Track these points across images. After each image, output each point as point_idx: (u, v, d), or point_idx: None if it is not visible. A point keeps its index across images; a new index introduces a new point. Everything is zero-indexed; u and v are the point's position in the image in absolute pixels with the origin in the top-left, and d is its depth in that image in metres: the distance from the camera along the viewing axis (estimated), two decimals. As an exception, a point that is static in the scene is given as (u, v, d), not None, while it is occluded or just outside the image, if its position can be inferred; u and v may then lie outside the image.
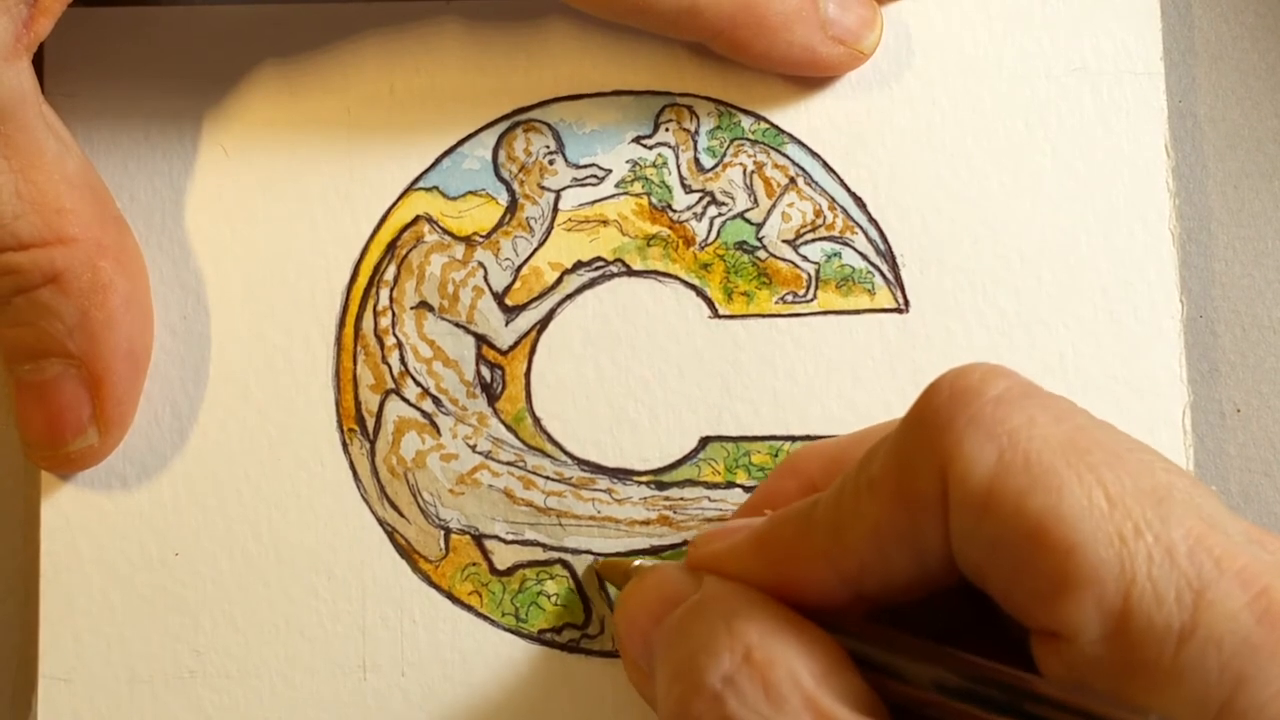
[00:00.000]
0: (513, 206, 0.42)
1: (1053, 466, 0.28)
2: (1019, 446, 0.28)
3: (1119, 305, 0.41)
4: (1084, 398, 0.40)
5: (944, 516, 0.29)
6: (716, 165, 0.42)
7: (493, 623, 0.40)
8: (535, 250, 0.42)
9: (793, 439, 0.41)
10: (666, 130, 0.42)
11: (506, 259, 0.42)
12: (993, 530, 0.28)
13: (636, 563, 0.38)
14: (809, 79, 0.42)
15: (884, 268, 0.41)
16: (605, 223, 0.42)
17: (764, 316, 0.41)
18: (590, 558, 0.40)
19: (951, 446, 0.29)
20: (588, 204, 0.42)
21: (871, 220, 0.42)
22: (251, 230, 0.41)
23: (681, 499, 0.41)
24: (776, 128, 0.42)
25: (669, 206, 0.42)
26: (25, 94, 0.36)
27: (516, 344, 0.41)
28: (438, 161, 0.42)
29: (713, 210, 0.42)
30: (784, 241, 0.42)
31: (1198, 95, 0.44)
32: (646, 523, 0.41)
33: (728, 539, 0.34)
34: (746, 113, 0.42)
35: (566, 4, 0.40)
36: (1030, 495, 0.28)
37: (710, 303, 0.41)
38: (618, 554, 0.40)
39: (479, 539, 0.40)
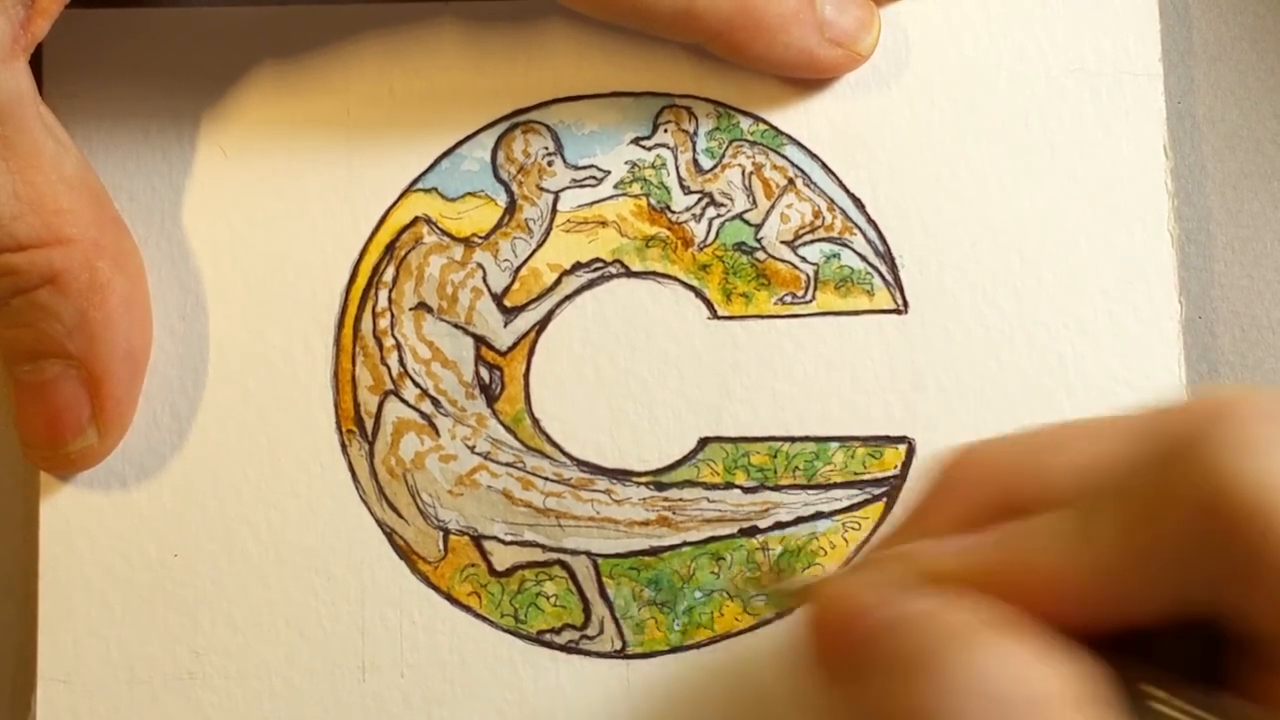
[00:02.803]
0: (511, 208, 0.42)
1: None
2: None
3: (1119, 305, 0.41)
4: (1084, 398, 0.40)
5: (1220, 539, 0.26)
6: (715, 166, 0.42)
7: (492, 624, 0.40)
8: (534, 251, 0.42)
9: (792, 440, 0.41)
10: (665, 131, 0.42)
11: (505, 260, 0.42)
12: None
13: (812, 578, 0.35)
14: (807, 80, 0.42)
15: (883, 269, 0.41)
16: (604, 224, 0.42)
17: (763, 317, 0.41)
18: (588, 558, 0.40)
19: (1227, 462, 0.26)
20: (586, 205, 0.42)
21: (870, 221, 0.42)
22: (250, 231, 0.41)
23: (680, 500, 0.41)
24: (775, 129, 0.42)
25: (668, 208, 0.42)
26: (23, 95, 0.36)
27: (515, 345, 0.41)
28: (436, 163, 0.42)
29: (711, 211, 0.42)
30: (783, 242, 0.42)
31: (1196, 96, 0.44)
32: (645, 524, 0.41)
33: (952, 556, 0.29)
34: (745, 114, 0.42)
35: (565, 6, 0.40)
36: None
37: (709, 304, 0.41)
38: (624, 553, 0.40)
39: (478, 540, 0.40)
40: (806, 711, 0.38)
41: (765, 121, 0.42)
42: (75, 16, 0.38)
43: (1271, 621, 0.26)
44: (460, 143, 0.42)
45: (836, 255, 0.42)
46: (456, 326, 0.41)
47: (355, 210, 0.42)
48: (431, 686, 0.40)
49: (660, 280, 0.41)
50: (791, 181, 0.42)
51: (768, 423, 0.41)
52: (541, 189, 0.42)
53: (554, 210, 0.42)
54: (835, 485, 0.41)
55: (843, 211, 0.42)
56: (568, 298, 0.41)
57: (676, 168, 0.42)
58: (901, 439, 0.41)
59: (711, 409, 0.41)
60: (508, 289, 0.41)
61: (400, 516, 0.40)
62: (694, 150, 0.42)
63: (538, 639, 0.40)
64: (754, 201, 0.42)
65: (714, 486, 0.41)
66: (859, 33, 0.41)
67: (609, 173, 0.42)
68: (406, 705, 0.40)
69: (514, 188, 0.42)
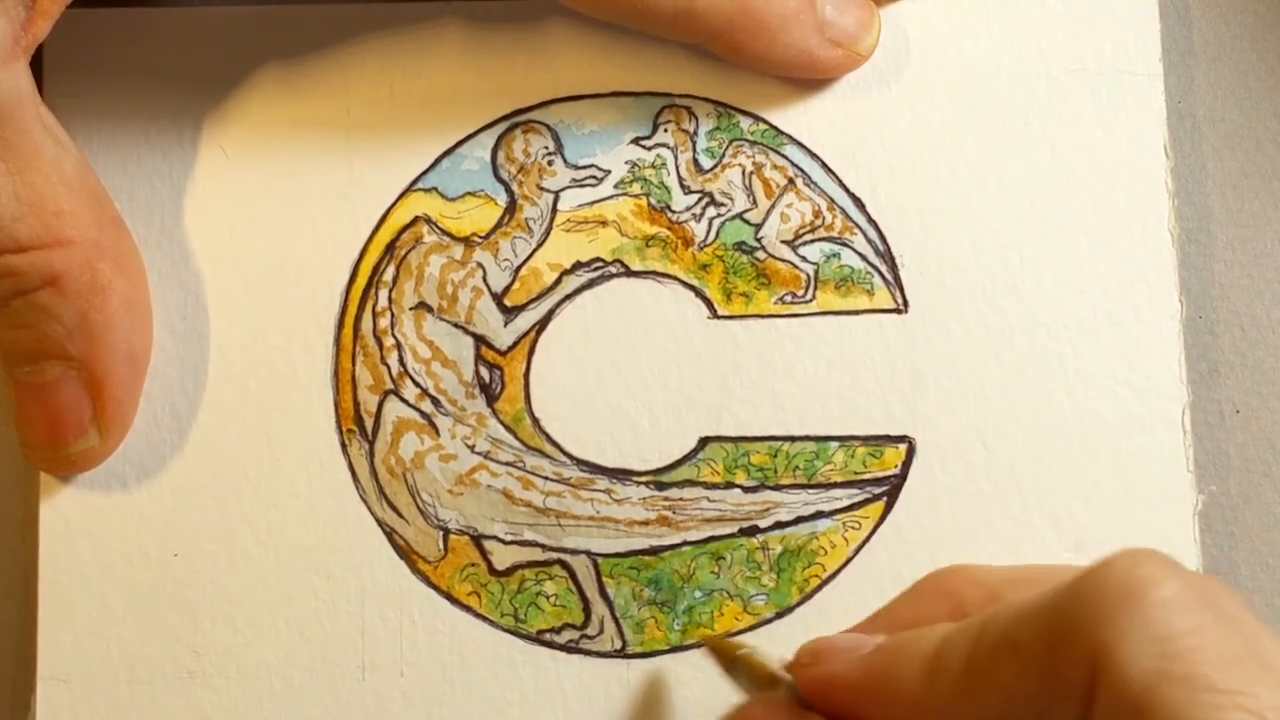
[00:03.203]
0: (511, 207, 0.42)
1: (1214, 684, 0.27)
2: (1183, 657, 0.27)
3: (1119, 305, 0.41)
4: (1084, 398, 0.40)
5: (1087, 705, 0.28)
6: (715, 166, 0.42)
7: (492, 623, 0.40)
8: (534, 251, 0.42)
9: (792, 439, 0.41)
10: (665, 131, 0.42)
11: (505, 260, 0.42)
12: None
13: (743, 650, 0.37)
14: (807, 80, 0.42)
15: (883, 268, 0.41)
16: (604, 223, 0.42)
17: (763, 317, 0.41)
18: (588, 558, 0.40)
19: (1112, 641, 0.28)
20: (586, 205, 0.42)
21: (870, 221, 0.42)
22: (251, 231, 0.41)
23: (681, 499, 0.41)
24: (775, 128, 0.42)
25: (668, 207, 0.42)
26: (23, 96, 0.36)
27: (515, 344, 0.41)
28: (437, 162, 0.42)
29: (711, 211, 0.42)
30: (783, 242, 0.42)
31: (1197, 96, 0.44)
32: (645, 523, 0.41)
33: (837, 660, 0.33)
34: (745, 114, 0.42)
35: (565, 5, 0.40)
36: (1187, 710, 0.27)
37: (709, 303, 0.41)
38: (624, 553, 0.40)
39: (478, 539, 0.40)
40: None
41: (765, 121, 0.42)
42: (75, 16, 0.38)
43: None
44: (460, 142, 0.42)
45: (837, 255, 0.42)
46: (456, 326, 0.41)
47: (355, 210, 0.42)
48: (431, 686, 0.40)
49: (660, 280, 0.41)
50: (792, 181, 0.42)
51: (768, 422, 0.41)
52: (542, 188, 0.42)
53: (554, 210, 0.42)
54: (835, 484, 0.41)
55: (843, 211, 0.42)
56: (568, 297, 0.41)
57: (677, 167, 0.42)
58: (901, 438, 0.41)
59: (712, 408, 0.41)
60: (508, 288, 0.41)
61: (400, 516, 0.40)
62: (694, 150, 0.42)
63: (538, 639, 0.40)
64: (754, 201, 0.42)
65: (714, 486, 0.41)
66: (859, 33, 0.41)
67: (609, 172, 0.42)
68: (406, 705, 0.40)
69: (514, 187, 0.42)
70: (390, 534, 0.40)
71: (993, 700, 0.29)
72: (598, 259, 0.42)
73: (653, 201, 0.42)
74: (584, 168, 0.42)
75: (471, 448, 0.41)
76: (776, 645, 0.38)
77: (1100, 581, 0.29)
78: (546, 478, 0.41)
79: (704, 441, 0.41)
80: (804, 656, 0.34)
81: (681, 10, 0.39)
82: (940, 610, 0.35)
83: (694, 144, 0.42)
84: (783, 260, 0.42)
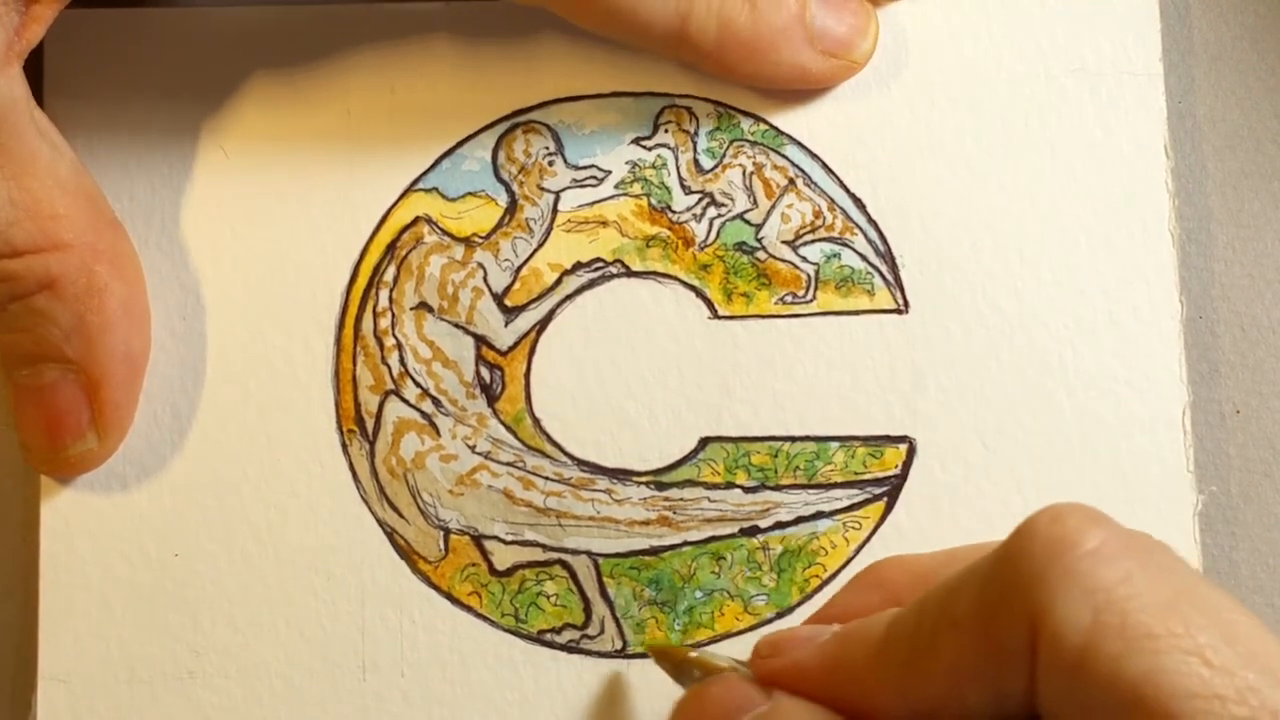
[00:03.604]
0: (512, 207, 0.42)
1: (1150, 629, 0.27)
2: (1115, 606, 0.27)
3: (1119, 305, 0.41)
4: (1084, 398, 0.40)
5: (1030, 667, 0.28)
6: (716, 166, 0.42)
7: (492, 623, 0.40)
8: (535, 251, 0.42)
9: (792, 439, 0.41)
10: (666, 131, 0.42)
11: (506, 260, 0.42)
12: (1085, 693, 0.27)
13: (694, 654, 0.37)
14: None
15: (883, 268, 0.41)
16: (605, 224, 0.42)
17: (763, 317, 0.41)
18: (589, 558, 0.40)
19: (1044, 601, 0.28)
20: (587, 205, 0.42)
21: (871, 221, 0.42)
22: (251, 231, 0.41)
23: (681, 499, 0.41)
24: (775, 129, 0.42)
25: (668, 207, 0.42)
26: (17, 101, 0.36)
27: (516, 345, 0.41)
28: (437, 162, 0.42)
29: (712, 211, 0.42)
30: (783, 242, 0.42)
31: (1197, 96, 0.44)
32: (646, 523, 0.41)
33: (795, 651, 0.33)
34: (745, 114, 0.42)
35: (563, 19, 0.40)
36: (1127, 659, 0.27)
37: (710, 303, 0.41)
38: (624, 553, 0.40)
39: (478, 539, 0.40)
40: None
41: (766, 121, 0.42)
42: (75, 17, 0.38)
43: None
44: (461, 142, 0.42)
45: (837, 255, 0.42)
46: (457, 326, 0.41)
47: (356, 210, 0.42)
48: (431, 686, 0.40)
49: (661, 280, 0.42)
50: (792, 181, 0.42)
51: (768, 422, 0.41)
52: (542, 189, 0.42)
53: (555, 210, 0.42)
54: (836, 485, 0.41)
55: (843, 211, 0.42)
56: (568, 297, 0.41)
57: (677, 168, 0.42)
58: (902, 438, 0.41)
59: (712, 409, 0.41)
60: (508, 289, 0.41)
61: (401, 516, 0.40)
62: (695, 150, 0.42)
63: (538, 638, 0.40)
64: (755, 201, 0.42)
65: (715, 486, 0.41)
66: (854, 40, 0.41)
67: (610, 172, 0.42)
68: (406, 705, 0.40)
69: (515, 187, 0.42)
70: (391, 534, 0.40)
71: (939, 676, 0.30)
72: (598, 259, 0.42)
73: (653, 202, 0.42)
74: (584, 168, 0.42)
75: (472, 448, 0.41)
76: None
77: (1026, 543, 0.29)
78: (547, 478, 0.41)
79: (704, 442, 0.41)
80: (762, 649, 0.34)
81: (673, 32, 0.39)
82: (874, 600, 0.35)
83: (694, 144, 0.42)
84: (783, 260, 0.42)
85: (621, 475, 0.41)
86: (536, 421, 0.41)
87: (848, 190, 0.42)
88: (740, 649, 0.40)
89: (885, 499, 0.41)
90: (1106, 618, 0.27)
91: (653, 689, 0.40)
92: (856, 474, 0.41)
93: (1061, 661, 0.27)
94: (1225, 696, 0.26)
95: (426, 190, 0.42)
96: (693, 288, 0.41)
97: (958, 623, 0.29)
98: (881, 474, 0.41)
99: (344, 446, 0.41)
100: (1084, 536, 0.28)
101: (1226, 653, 0.27)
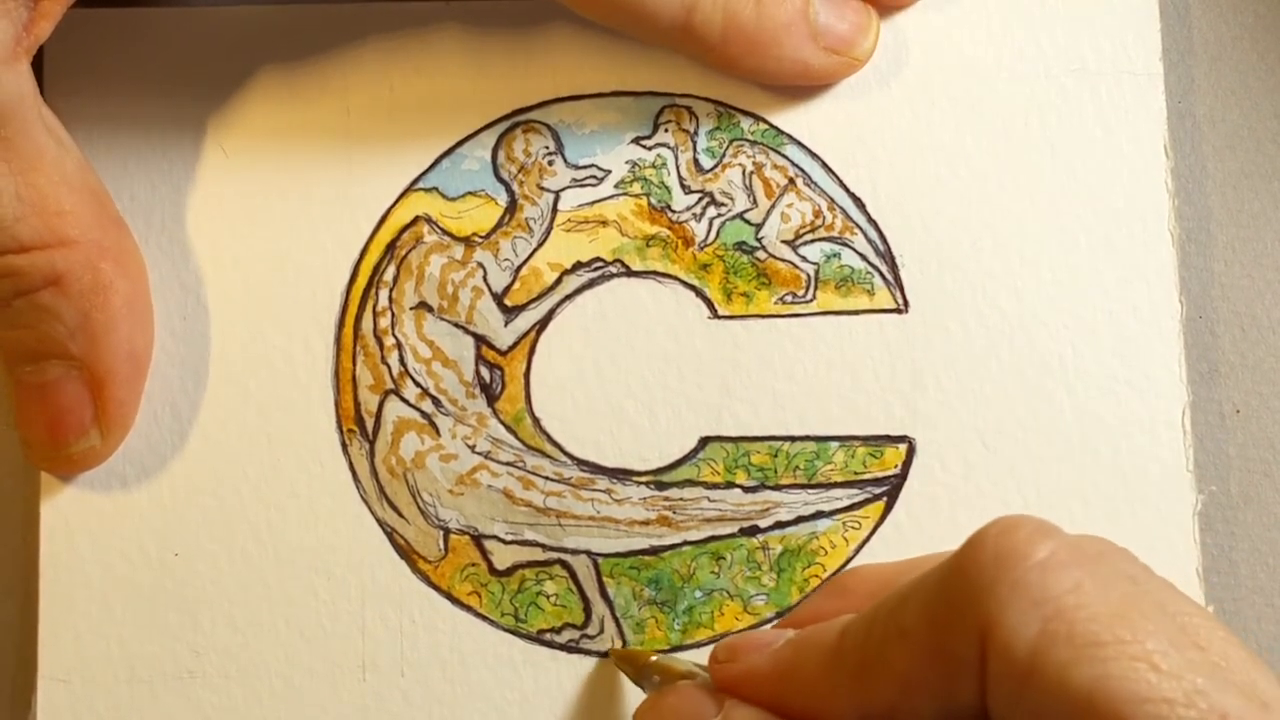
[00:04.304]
0: (512, 207, 0.42)
1: (1098, 638, 0.27)
2: (1064, 616, 0.28)
3: (1119, 305, 0.41)
4: (1084, 398, 0.40)
5: (980, 678, 0.28)
6: (716, 166, 0.42)
7: (492, 623, 0.40)
8: (534, 251, 0.42)
9: (792, 439, 0.41)
10: (666, 131, 0.42)
11: (506, 259, 0.42)
12: (1035, 702, 0.28)
13: (654, 658, 0.38)
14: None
15: (883, 268, 0.41)
16: (604, 223, 0.42)
17: (763, 317, 0.41)
18: (589, 557, 0.40)
19: (993, 612, 0.28)
20: (587, 204, 0.42)
21: (870, 221, 0.42)
22: (251, 230, 0.41)
23: (681, 499, 0.41)
24: (775, 128, 0.42)
25: (668, 207, 0.42)
26: (25, 97, 0.36)
27: (516, 344, 0.41)
28: (437, 162, 0.42)
29: (712, 211, 0.42)
30: (783, 242, 0.42)
31: (1197, 96, 0.44)
32: (646, 523, 0.41)
33: (751, 657, 0.33)
34: (745, 113, 0.42)
35: (567, 8, 0.40)
36: (1075, 668, 0.27)
37: (710, 303, 0.41)
38: (624, 553, 0.40)
39: (478, 539, 0.40)
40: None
41: (766, 121, 0.42)
42: (76, 17, 0.38)
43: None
44: (461, 142, 0.42)
45: (837, 255, 0.42)
46: (457, 326, 0.41)
47: (356, 210, 0.42)
48: (431, 686, 0.40)
49: (661, 280, 0.42)
50: (792, 181, 0.42)
51: (768, 422, 0.41)
52: (542, 188, 0.42)
53: (554, 209, 0.42)
54: (836, 484, 0.41)
55: (843, 211, 0.42)
56: (568, 297, 0.41)
57: (677, 167, 0.42)
58: (902, 438, 0.41)
59: (712, 408, 0.41)
60: (508, 288, 0.41)
61: (401, 516, 0.40)
62: (694, 150, 0.42)
63: (538, 638, 0.40)
64: (754, 201, 0.42)
65: (714, 486, 0.41)
66: (856, 38, 0.41)
67: (609, 172, 0.42)
68: (406, 705, 0.40)
69: (514, 187, 0.42)
70: (390, 534, 0.40)
71: (890, 686, 0.30)
72: (598, 259, 0.42)
73: (653, 201, 0.42)
74: (584, 167, 0.42)
75: (472, 447, 0.41)
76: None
77: (976, 555, 0.29)
78: (547, 477, 0.41)
79: (704, 441, 0.41)
80: (720, 654, 0.34)
81: (678, 25, 0.39)
82: (837, 607, 0.35)
83: (694, 144, 0.42)
84: (783, 260, 0.42)
85: (621, 475, 0.41)
86: (536, 421, 0.41)
87: (848, 190, 0.42)
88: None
89: (885, 499, 0.41)
90: (1054, 627, 0.27)
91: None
92: (856, 474, 0.41)
93: (1011, 671, 0.28)
94: (1174, 700, 0.26)
95: (426, 190, 0.42)
96: (692, 287, 0.41)
97: (907, 632, 0.29)
98: (881, 474, 0.41)
99: (344, 446, 0.41)
100: (1033, 548, 0.28)
101: (1175, 657, 0.27)
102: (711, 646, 0.40)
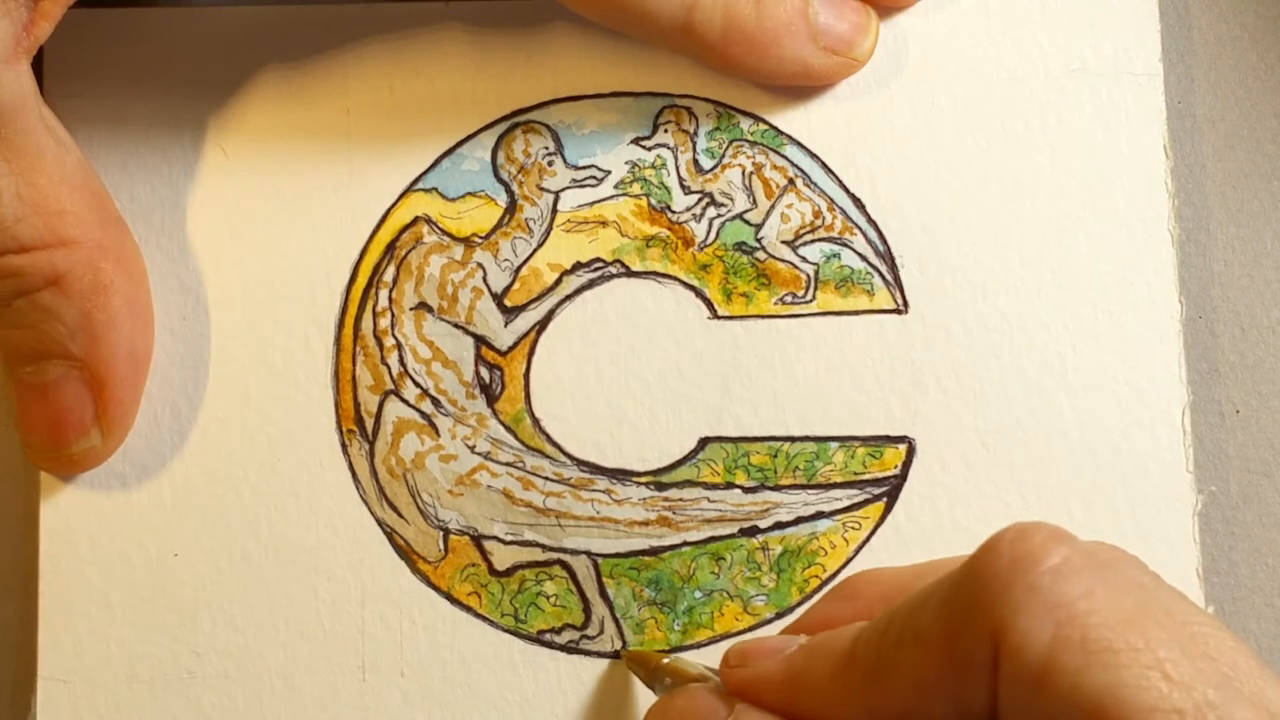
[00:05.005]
0: (512, 207, 0.42)
1: (1110, 644, 0.27)
2: (1076, 622, 0.28)
3: (1119, 305, 0.41)
4: (1084, 398, 0.40)
5: (993, 681, 0.29)
6: (715, 166, 0.42)
7: (492, 623, 0.40)
8: (534, 251, 0.42)
9: (792, 439, 0.41)
10: (665, 131, 0.42)
11: (505, 260, 0.42)
12: (1047, 707, 0.28)
13: (666, 660, 0.38)
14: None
15: (883, 268, 0.41)
16: (604, 224, 0.42)
17: (763, 317, 0.41)
18: (588, 558, 0.40)
19: (1007, 616, 0.28)
20: (587, 205, 0.42)
21: (870, 221, 0.42)
22: (251, 231, 0.41)
23: (681, 500, 0.41)
24: (775, 129, 0.42)
25: (668, 207, 0.42)
26: (25, 96, 0.36)
27: (515, 345, 0.41)
28: (437, 162, 0.42)
29: (712, 211, 0.42)
30: (783, 242, 0.42)
31: (1196, 96, 0.44)
32: (645, 523, 0.41)
33: (762, 662, 0.33)
34: (745, 114, 0.42)
35: (567, 8, 0.40)
36: (1087, 674, 0.27)
37: (709, 303, 0.41)
38: (624, 553, 0.40)
39: (478, 540, 0.40)
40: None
41: (765, 121, 0.42)
42: (76, 17, 0.38)
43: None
44: (461, 142, 0.42)
45: (837, 255, 0.42)
46: (457, 326, 0.41)
47: (355, 210, 0.42)
48: (431, 686, 0.40)
49: (660, 280, 0.42)
50: (792, 181, 0.42)
51: (768, 422, 0.41)
52: (542, 189, 0.42)
53: (554, 210, 0.42)
54: (835, 485, 0.41)
55: (843, 211, 0.42)
56: (568, 297, 0.41)
57: (677, 168, 0.42)
58: (901, 439, 0.41)
59: (711, 409, 0.41)
60: (508, 289, 0.41)
61: (400, 516, 0.40)
62: (694, 150, 0.42)
63: (538, 639, 0.40)
64: (754, 201, 0.42)
65: (714, 486, 0.41)
66: (855, 38, 0.41)
67: (609, 173, 0.42)
68: (406, 705, 0.40)
69: (514, 187, 0.42)
70: (390, 534, 0.40)
71: (904, 690, 0.30)
72: (598, 259, 0.42)
73: (653, 202, 0.42)
74: (584, 168, 0.42)
75: (472, 448, 0.41)
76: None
77: (990, 559, 0.29)
78: (547, 478, 0.41)
79: (704, 442, 0.41)
80: (731, 658, 0.34)
81: (678, 25, 0.39)
82: (847, 611, 0.35)
83: (694, 144, 0.42)
84: (783, 260, 0.42)
85: (621, 475, 0.41)
86: (536, 421, 0.41)
87: (847, 190, 0.42)
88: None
89: (885, 499, 0.41)
90: (1067, 632, 0.27)
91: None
92: (856, 474, 0.41)
93: (1023, 676, 0.28)
94: (1184, 711, 0.26)
95: (426, 190, 0.42)
96: (692, 288, 0.41)
97: (922, 636, 0.30)
98: (881, 474, 0.41)
99: (344, 446, 0.41)
100: (1047, 553, 0.29)
101: (1186, 667, 0.27)
102: (711, 647, 0.40)
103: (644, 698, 0.40)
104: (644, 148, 0.42)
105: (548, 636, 0.40)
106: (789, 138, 0.42)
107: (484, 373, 0.41)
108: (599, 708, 0.40)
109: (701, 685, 0.35)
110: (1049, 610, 0.28)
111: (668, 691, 0.37)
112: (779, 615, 0.40)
